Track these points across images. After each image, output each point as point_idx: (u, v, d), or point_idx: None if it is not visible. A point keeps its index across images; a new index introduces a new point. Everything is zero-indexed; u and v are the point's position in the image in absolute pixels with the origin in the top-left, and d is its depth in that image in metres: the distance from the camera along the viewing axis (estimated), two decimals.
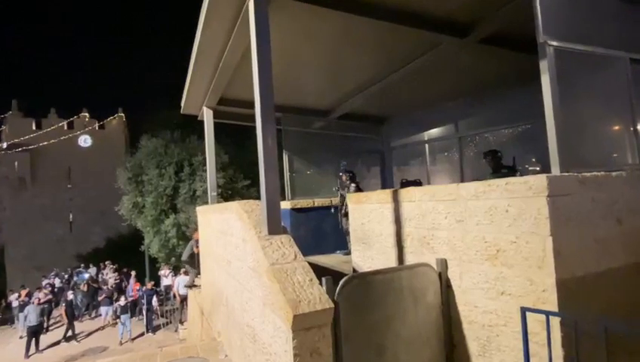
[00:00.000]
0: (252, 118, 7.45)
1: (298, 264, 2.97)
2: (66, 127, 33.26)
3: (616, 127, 3.09)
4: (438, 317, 3.04)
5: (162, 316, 13.08)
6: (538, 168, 5.87)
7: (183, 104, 7.21)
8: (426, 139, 8.02)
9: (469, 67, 5.45)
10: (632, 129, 2.99)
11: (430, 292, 3.03)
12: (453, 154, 7.34)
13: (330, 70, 6.11)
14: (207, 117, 6.74)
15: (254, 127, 3.58)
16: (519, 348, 2.55)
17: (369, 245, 4.19)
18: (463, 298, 2.99)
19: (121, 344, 12.10)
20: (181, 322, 12.05)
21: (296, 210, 6.91)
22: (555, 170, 2.66)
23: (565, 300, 2.36)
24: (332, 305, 2.60)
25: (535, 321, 2.39)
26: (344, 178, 6.17)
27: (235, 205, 3.98)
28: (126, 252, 22.86)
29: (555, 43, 2.74)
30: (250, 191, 14.69)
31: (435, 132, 7.81)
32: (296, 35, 4.84)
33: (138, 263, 18.75)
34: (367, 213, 4.20)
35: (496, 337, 2.74)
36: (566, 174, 2.57)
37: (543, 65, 2.73)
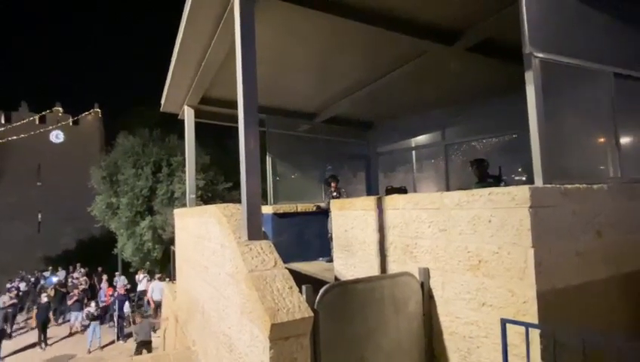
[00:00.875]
0: (235, 118, 7.31)
1: (278, 271, 2.88)
2: (37, 122, 32.03)
3: (599, 140, 3.15)
4: (419, 327, 2.99)
5: (134, 323, 12.61)
6: (524, 178, 5.97)
7: (162, 102, 7.02)
8: (412, 145, 8.06)
9: (456, 75, 5.50)
10: (614, 142, 3.04)
11: (412, 302, 2.98)
12: (439, 162, 7.39)
13: (317, 72, 6.06)
14: (188, 116, 6.58)
15: (237, 128, 3.48)
16: (499, 360, 2.53)
17: (352, 253, 4.12)
18: (444, 308, 2.95)
19: (89, 352, 11.59)
20: (154, 330, 11.67)
21: (278, 215, 6.78)
22: (538, 182, 2.67)
23: (545, 312, 2.35)
24: (311, 314, 2.52)
25: (515, 333, 2.38)
26: (333, 184, 6.13)
27: (214, 209, 3.85)
28: (98, 255, 22.05)
29: (540, 55, 2.76)
30: (231, 194, 14.44)
31: (421, 139, 7.86)
32: (282, 35, 4.77)
33: (111, 267, 18.11)
34: (351, 220, 4.14)
35: (477, 349, 2.71)
36: (549, 186, 2.58)
37: (529, 76, 2.74)
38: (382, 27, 4.33)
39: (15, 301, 13.44)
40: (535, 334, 2.28)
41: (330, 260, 6.53)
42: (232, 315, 3.28)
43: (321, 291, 2.63)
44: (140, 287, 14.22)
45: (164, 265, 14.22)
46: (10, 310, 12.74)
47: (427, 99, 6.68)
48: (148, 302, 12.65)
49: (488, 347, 2.62)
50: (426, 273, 3.07)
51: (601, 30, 3.28)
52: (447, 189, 6.74)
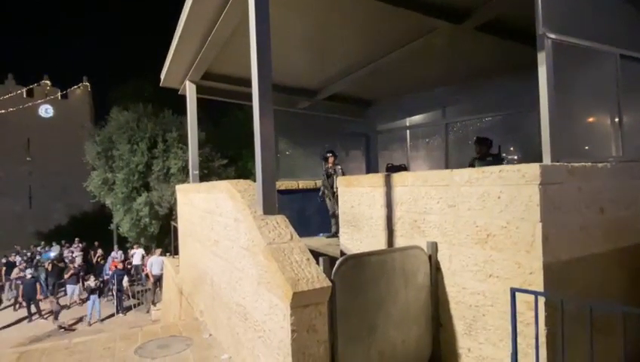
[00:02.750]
0: (237, 94, 7.36)
1: (295, 244, 2.99)
2: (25, 95, 31.27)
3: (604, 121, 3.26)
4: (427, 297, 3.16)
5: (133, 297, 12.83)
6: (516, 157, 6.13)
7: (163, 77, 6.94)
8: (412, 124, 8.13)
9: (461, 53, 5.53)
10: (617, 122, 3.16)
11: (420, 273, 3.13)
12: (439, 140, 7.49)
13: (319, 49, 6.03)
14: (190, 92, 6.53)
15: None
16: (504, 327, 2.71)
17: (358, 228, 4.25)
18: (451, 279, 3.11)
19: (90, 324, 11.81)
20: (153, 303, 11.89)
21: (279, 192, 6.85)
22: (547, 160, 2.78)
23: (550, 283, 2.51)
24: (329, 284, 2.65)
25: (521, 302, 2.53)
26: (331, 160, 6.17)
27: (226, 184, 3.92)
28: (91, 230, 22.08)
29: (553, 35, 2.82)
30: (227, 171, 14.47)
31: (421, 117, 7.93)
32: (285, 8, 4.70)
33: (105, 242, 18.19)
34: (358, 197, 4.25)
35: (483, 317, 2.88)
36: (557, 164, 2.69)
37: (541, 57, 2.82)
38: (390, 3, 4.32)
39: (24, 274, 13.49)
40: (541, 302, 2.44)
41: (331, 236, 6.69)
42: (247, 286, 3.41)
43: (338, 263, 2.76)
44: (135, 262, 14.35)
45: (160, 240, 14.35)
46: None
47: (429, 77, 6.72)
48: (146, 276, 12.82)
49: (494, 315, 2.80)
50: (434, 246, 3.21)
51: (608, 12, 3.34)
52: (447, 167, 6.88)
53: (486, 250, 2.84)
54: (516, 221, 2.64)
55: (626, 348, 2.13)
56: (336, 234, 6.18)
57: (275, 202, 3.33)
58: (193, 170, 6.69)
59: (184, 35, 4.98)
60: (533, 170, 2.55)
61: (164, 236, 14.09)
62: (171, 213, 14.14)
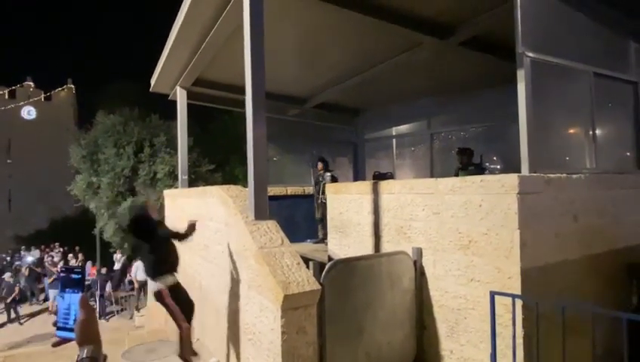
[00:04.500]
0: (227, 101, 7.43)
1: (285, 249, 3.08)
2: (7, 96, 30.62)
3: (578, 134, 3.47)
4: (411, 301, 3.28)
5: (116, 302, 12.62)
6: (498, 167, 6.35)
7: (153, 82, 6.99)
8: (398, 133, 8.32)
9: (446, 67, 5.74)
10: (591, 136, 3.36)
11: (406, 278, 3.26)
12: (424, 150, 7.69)
13: (309, 59, 6.16)
14: (181, 97, 6.59)
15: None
16: (485, 329, 2.84)
17: (346, 234, 4.37)
18: (435, 284, 3.24)
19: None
20: (137, 309, 11.73)
21: (269, 198, 6.95)
22: (525, 170, 2.95)
23: (527, 287, 2.66)
24: (319, 287, 2.75)
25: (500, 305, 2.67)
26: (319, 167, 6.27)
27: (217, 190, 4.00)
28: (73, 235, 21.61)
29: (531, 54, 3.01)
30: (214, 176, 14.43)
31: (408, 127, 8.13)
32: (274, 19, 4.82)
33: (87, 247, 17.84)
34: (346, 203, 4.37)
35: (464, 319, 3.01)
36: (534, 175, 2.86)
37: (520, 74, 3.00)
38: (378, 18, 4.49)
39: None
40: (518, 305, 2.58)
41: (318, 242, 6.77)
42: (239, 289, 3.47)
43: (327, 267, 2.86)
44: (117, 266, 14.13)
45: None
46: None
47: (415, 88, 6.92)
48: (130, 281, 12.65)
49: (475, 318, 2.93)
50: (419, 252, 3.34)
51: (584, 32, 3.57)
52: (432, 175, 7.07)
53: (468, 256, 2.98)
54: (496, 228, 2.79)
55: (596, 349, 2.29)
56: (323, 240, 6.27)
57: (267, 208, 3.42)
58: (182, 175, 6.72)
59: (178, 41, 5.05)
60: (511, 180, 2.71)
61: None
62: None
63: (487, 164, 6.37)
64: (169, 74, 6.32)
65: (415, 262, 3.31)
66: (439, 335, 3.21)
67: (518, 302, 2.58)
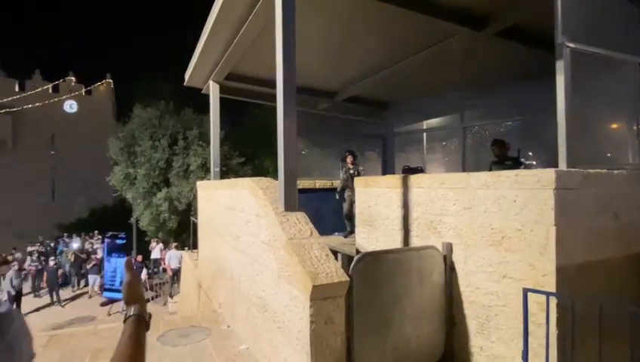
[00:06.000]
0: (258, 95, 7.54)
1: (314, 240, 3.13)
2: (50, 91, 32.29)
3: (621, 128, 3.30)
4: (441, 296, 3.25)
5: (151, 289, 13.18)
6: (534, 162, 6.13)
7: (187, 76, 7.18)
8: (429, 127, 8.17)
9: (480, 58, 5.59)
10: (635, 130, 3.20)
11: (435, 273, 3.23)
12: (456, 144, 7.53)
13: (340, 52, 6.15)
14: (214, 91, 6.74)
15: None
16: (516, 326, 2.79)
17: (374, 227, 4.37)
18: (465, 280, 3.20)
19: (109, 314, 12.16)
20: (171, 296, 12.20)
21: (298, 191, 7.03)
22: (562, 165, 2.85)
23: (562, 285, 2.58)
24: (347, 279, 2.78)
25: (533, 303, 2.61)
26: (349, 160, 6.26)
27: (248, 182, 4.09)
28: (111, 224, 22.67)
29: (572, 44, 2.89)
30: (244, 169, 14.72)
31: (439, 120, 7.98)
32: (307, 10, 4.82)
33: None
34: (375, 197, 4.37)
35: (495, 316, 2.97)
36: (572, 170, 2.76)
37: (559, 66, 2.89)
38: (409, 9, 4.41)
39: (37, 263, 14.04)
40: (552, 303, 2.51)
41: (346, 235, 6.80)
42: (268, 279, 3.56)
43: (356, 259, 2.88)
44: (154, 255, 14.73)
45: (178, 235, 14.71)
46: (34, 272, 13.37)
47: (447, 81, 6.77)
48: (164, 269, 13.14)
49: (506, 315, 2.88)
50: (449, 247, 3.31)
51: (628, 20, 3.38)
52: (464, 170, 6.92)
53: (500, 252, 2.92)
54: (531, 224, 2.72)
55: (634, 352, 2.20)
56: (350, 235, 6.28)
57: (296, 200, 3.47)
58: (215, 167, 6.89)
59: (211, 36, 5.16)
60: (548, 175, 2.63)
61: (181, 231, 14.44)
62: (189, 209, 14.49)
63: (522, 159, 6.16)
64: (202, 68, 6.48)
65: (445, 257, 3.28)
66: (469, 331, 3.17)
67: (553, 301, 2.52)
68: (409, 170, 6.93)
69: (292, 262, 2.94)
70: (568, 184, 2.66)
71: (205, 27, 5.24)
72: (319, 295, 2.68)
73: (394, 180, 4.07)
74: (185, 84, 7.57)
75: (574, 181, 2.70)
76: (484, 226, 3.05)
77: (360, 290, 2.85)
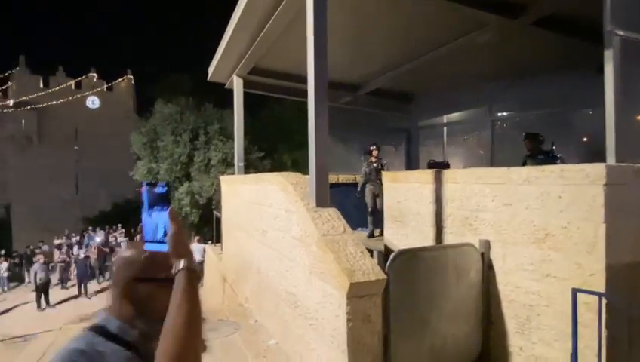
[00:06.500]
0: (282, 89, 7.48)
1: (348, 236, 3.08)
2: (73, 87, 32.99)
3: None
4: (478, 295, 3.16)
5: None
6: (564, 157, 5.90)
7: (211, 71, 7.19)
8: (455, 120, 7.98)
9: (512, 49, 5.38)
10: None
11: (472, 271, 3.14)
12: (483, 138, 7.33)
13: (363, 43, 6.03)
14: (237, 86, 6.73)
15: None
16: (560, 327, 2.69)
17: (404, 223, 4.29)
18: (504, 278, 3.10)
19: None
20: None
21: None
22: (611, 160, 2.72)
23: (612, 285, 2.46)
24: (384, 276, 2.72)
25: (580, 303, 2.51)
26: (374, 154, 6.13)
27: (277, 177, 4.06)
28: (134, 217, 23.12)
29: (621, 32, 2.74)
30: (263, 163, 14.76)
31: (466, 113, 7.77)
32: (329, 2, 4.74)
33: None
34: (404, 192, 4.28)
35: (537, 316, 2.86)
36: (623, 164, 2.63)
37: (608, 55, 2.74)
38: None
39: (65, 256, 14.45)
40: (603, 304, 2.40)
41: (369, 235, 6.68)
42: (299, 275, 3.53)
43: (392, 256, 2.82)
44: None
45: (200, 229, 14.90)
46: (62, 264, 13.76)
47: (476, 72, 6.56)
48: None
49: (549, 315, 2.77)
50: (486, 244, 3.20)
51: None
52: (492, 165, 6.73)
53: (543, 250, 2.81)
54: (578, 221, 2.60)
55: None
56: (373, 234, 6.15)
57: (328, 195, 3.43)
58: (239, 161, 6.91)
59: (237, 30, 5.11)
60: (597, 170, 2.50)
61: (203, 224, 14.61)
62: (210, 203, 14.64)
63: (559, 154, 5.95)
64: (226, 63, 6.47)
65: (482, 255, 3.18)
66: (507, 331, 3.08)
67: (602, 301, 2.41)
68: (435, 165, 6.76)
69: (326, 259, 2.89)
70: (619, 179, 2.52)
71: (231, 21, 5.21)
72: (356, 293, 2.63)
73: (426, 175, 3.97)
74: (208, 79, 7.59)
75: (625, 176, 2.57)
76: (525, 223, 2.94)
77: (397, 288, 2.79)
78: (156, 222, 0.95)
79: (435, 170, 3.89)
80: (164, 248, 0.92)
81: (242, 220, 5.77)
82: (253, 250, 5.14)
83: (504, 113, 7.03)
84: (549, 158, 4.48)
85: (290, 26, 4.71)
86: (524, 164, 4.73)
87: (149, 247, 0.96)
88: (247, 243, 5.41)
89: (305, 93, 8.04)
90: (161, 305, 0.87)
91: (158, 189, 0.97)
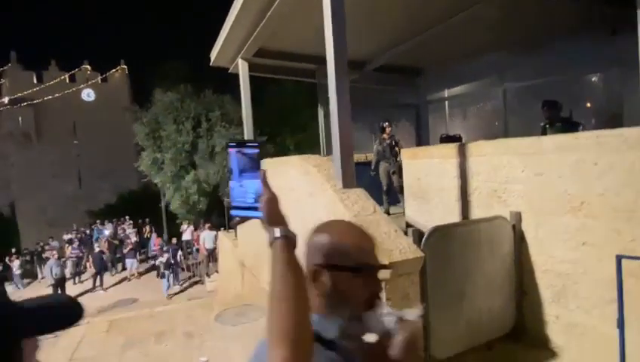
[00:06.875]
0: (289, 70, 7.31)
1: (380, 216, 3.05)
2: (67, 80, 32.52)
3: None
4: (510, 267, 3.16)
5: (188, 270, 13.53)
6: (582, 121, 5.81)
7: (213, 56, 7.02)
8: (465, 92, 7.82)
9: (523, 16, 5.22)
10: None
11: (505, 243, 3.13)
12: (495, 108, 7.21)
13: (368, 19, 5.84)
14: (243, 69, 6.58)
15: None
16: (598, 294, 2.69)
17: (426, 200, 4.26)
18: (537, 248, 3.09)
19: (170, 297, 12.02)
20: (207, 275, 12.51)
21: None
22: None
23: None
24: (422, 254, 2.70)
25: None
26: (387, 131, 6.02)
27: (297, 160, 4.02)
28: (139, 208, 23.15)
29: None
30: (267, 148, 14.67)
31: (476, 85, 7.61)
32: None
33: (153, 219, 19.08)
34: (426, 168, 4.24)
35: (574, 285, 2.86)
36: None
37: None
38: None
39: (77, 251, 14.55)
40: None
41: (386, 209, 6.65)
42: None
43: (427, 233, 2.80)
44: (185, 237, 15.02)
45: (208, 216, 14.95)
46: (74, 259, 13.87)
47: (485, 42, 6.38)
48: (197, 250, 13.43)
49: (586, 283, 2.77)
50: (517, 216, 3.18)
51: None
52: (506, 135, 6.64)
53: (579, 218, 2.79)
54: (616, 188, 2.56)
55: None
56: (389, 211, 6.09)
57: (354, 175, 3.38)
58: None
59: (243, 9, 4.93)
60: (636, 133, 2.45)
61: (211, 212, 14.64)
62: (216, 190, 14.62)
63: (582, 122, 5.85)
64: (231, 46, 6.30)
65: (514, 227, 3.16)
66: (542, 300, 3.09)
67: None
68: (447, 139, 6.69)
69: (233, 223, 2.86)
70: None
71: (234, 3, 5.05)
72: (395, 272, 2.61)
73: (448, 150, 3.92)
74: (211, 64, 7.42)
75: None
76: (558, 193, 2.90)
77: (433, 265, 2.78)
78: (245, 186, 0.87)
79: (457, 144, 3.83)
80: (254, 214, 0.86)
81: None
82: None
83: (515, 82, 6.87)
84: (570, 125, 4.40)
85: (299, 3, 4.56)
86: (543, 133, 4.65)
87: (236, 213, 0.89)
88: (261, 230, 5.39)
89: (311, 73, 7.90)
90: (352, 295, 0.82)
91: (248, 150, 0.87)
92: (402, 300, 2.70)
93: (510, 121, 6.94)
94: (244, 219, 0.91)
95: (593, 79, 6.13)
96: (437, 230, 2.85)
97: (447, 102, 8.27)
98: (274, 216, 0.84)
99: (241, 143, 0.87)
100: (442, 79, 7.96)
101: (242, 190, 0.87)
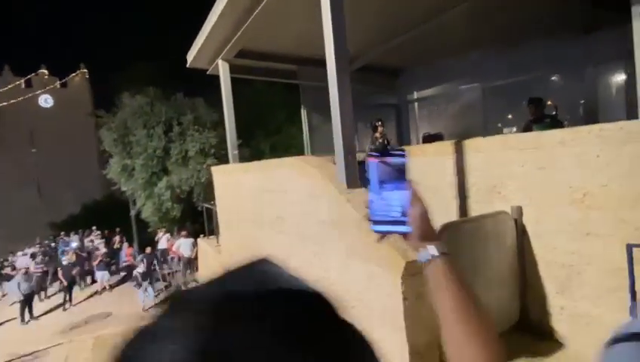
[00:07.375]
0: (269, 71, 7.18)
1: None
2: (24, 86, 30.74)
3: None
4: (514, 260, 3.20)
5: (163, 279, 13.03)
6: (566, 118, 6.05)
7: (191, 57, 6.81)
8: (445, 91, 7.97)
9: (499, 15, 5.36)
10: None
11: (508, 237, 3.16)
12: (474, 106, 7.36)
13: (350, 18, 5.84)
14: (224, 71, 6.40)
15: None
16: (604, 284, 2.75)
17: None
18: (540, 241, 3.14)
19: (147, 310, 11.71)
20: (185, 284, 12.09)
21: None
22: None
23: None
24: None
25: (624, 258, 2.57)
26: (380, 130, 6.03)
27: (294, 161, 3.92)
28: (106, 218, 22.15)
29: None
30: (242, 151, 14.38)
31: (456, 83, 7.75)
32: None
33: (122, 229, 18.28)
34: (421, 166, 4.23)
35: (578, 275, 2.92)
36: None
37: (636, 12, 2.74)
38: None
39: (42, 266, 13.70)
40: None
41: None
42: (331, 259, 3.45)
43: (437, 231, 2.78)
44: (161, 245, 14.48)
45: (182, 223, 14.46)
46: (39, 274, 13.05)
47: (465, 41, 6.53)
48: (177, 258, 12.97)
49: (591, 273, 2.83)
50: (519, 210, 3.23)
51: None
52: (487, 133, 6.80)
53: (582, 210, 2.85)
54: (618, 178, 2.63)
55: None
56: None
57: (357, 175, 3.32)
58: (233, 150, 6.65)
59: (228, 7, 4.79)
60: (637, 126, 2.53)
61: (185, 218, 14.20)
62: (191, 196, 14.17)
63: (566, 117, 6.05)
64: (211, 46, 6.12)
65: (516, 221, 3.20)
66: (546, 292, 3.14)
67: None
68: (429, 137, 6.80)
69: (372, 240, 2.81)
70: None
71: (217, 2, 4.89)
72: (410, 271, 2.58)
73: (444, 147, 3.94)
74: (188, 65, 7.20)
75: None
76: (560, 186, 2.96)
77: None
78: (386, 198, 0.79)
79: (455, 140, 3.85)
80: (400, 229, 0.79)
81: (247, 209, 5.58)
82: (265, 239, 5.00)
83: (493, 81, 7.08)
84: (555, 122, 4.55)
85: (284, 2, 4.47)
86: (527, 129, 4.78)
87: (378, 229, 0.82)
88: (255, 232, 5.25)
89: (292, 74, 7.78)
90: None
91: (393, 159, 0.78)
92: (417, 299, 2.67)
93: (489, 119, 7.13)
94: (384, 235, 0.83)
95: (568, 76, 6.38)
96: (446, 227, 2.84)
97: (427, 101, 8.40)
98: (426, 232, 0.79)
99: (384, 152, 0.78)
100: (422, 79, 8.08)
101: (383, 203, 0.80)
